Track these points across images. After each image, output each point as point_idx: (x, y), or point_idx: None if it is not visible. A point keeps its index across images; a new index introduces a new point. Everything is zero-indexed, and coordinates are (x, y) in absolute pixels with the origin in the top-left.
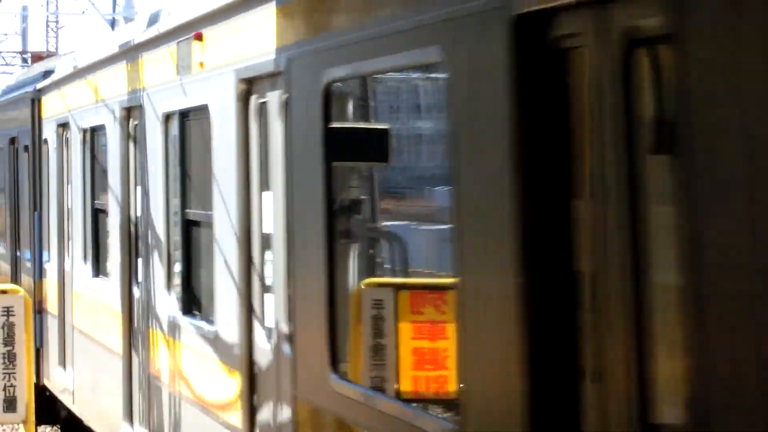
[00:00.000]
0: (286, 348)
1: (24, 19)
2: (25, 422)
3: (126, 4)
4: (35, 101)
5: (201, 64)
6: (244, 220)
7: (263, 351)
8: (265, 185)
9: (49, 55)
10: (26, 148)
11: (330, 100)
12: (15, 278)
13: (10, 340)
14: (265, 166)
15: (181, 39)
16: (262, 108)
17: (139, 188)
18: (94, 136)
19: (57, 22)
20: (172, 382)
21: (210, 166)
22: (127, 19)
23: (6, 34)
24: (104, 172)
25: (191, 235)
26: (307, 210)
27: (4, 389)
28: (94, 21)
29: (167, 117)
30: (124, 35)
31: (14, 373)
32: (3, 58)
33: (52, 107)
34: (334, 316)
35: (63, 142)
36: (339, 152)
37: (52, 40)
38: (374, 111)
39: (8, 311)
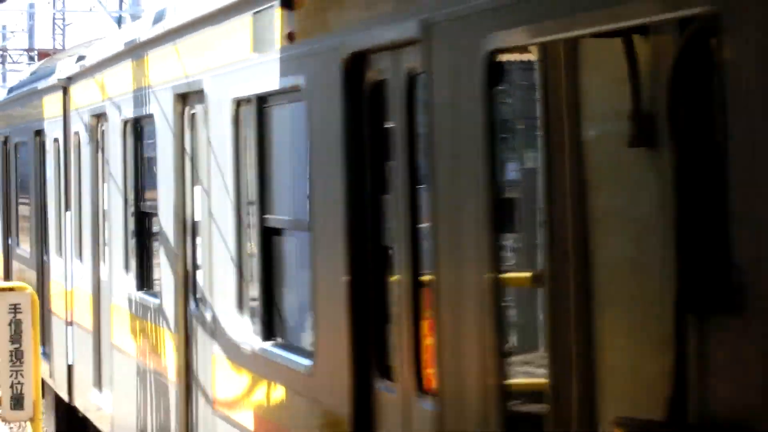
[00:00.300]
0: (423, 402)
1: (31, 16)
2: (32, 420)
3: (133, 1)
4: (66, 89)
5: (289, 37)
6: (354, 230)
7: (387, 401)
8: (380, 186)
9: (56, 52)
10: (55, 141)
11: (497, 76)
12: (41, 286)
13: (17, 337)
14: (382, 162)
15: (258, 9)
16: (378, 88)
17: (197, 188)
18: (137, 127)
19: (64, 19)
20: (247, 423)
21: (303, 162)
22: (134, 17)
23: (13, 32)
24: (151, 169)
25: (273, 246)
26: (457, 216)
27: (12, 387)
28: (100, 18)
29: (238, 103)
30: (176, 11)
31: (21, 370)
32: (10, 55)
33: (84, 96)
34: (504, 360)
35: (98, 135)
36: (511, 143)
37: (58, 38)
38: (561, 89)
39: (15, 308)
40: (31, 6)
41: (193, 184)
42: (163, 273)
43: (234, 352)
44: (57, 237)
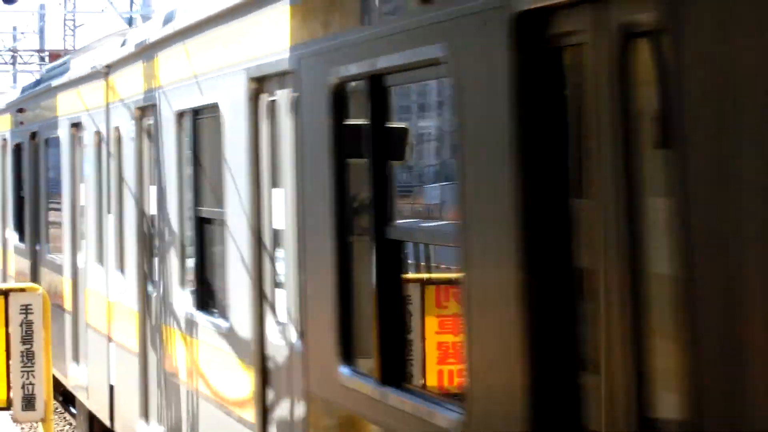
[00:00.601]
0: None
1: (41, 17)
2: (43, 421)
3: (143, 2)
4: (108, 77)
5: None
6: (532, 239)
7: None
8: (572, 181)
9: (66, 53)
10: (97, 133)
11: None
12: (76, 297)
13: (28, 338)
14: (570, 151)
15: None
16: (567, 55)
17: (278, 191)
18: (196, 120)
19: (74, 20)
20: None
21: (441, 154)
22: (145, 18)
23: (23, 33)
24: (214, 168)
25: (393, 261)
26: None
27: (23, 387)
28: (111, 19)
29: (339, 85)
30: None
31: (33, 371)
32: (20, 56)
33: (125, 87)
34: None
35: (144, 129)
36: None
37: (69, 39)
38: None
39: (27, 309)
40: (42, 7)
41: (272, 186)
42: (231, 291)
43: (336, 394)
44: (96, 243)
